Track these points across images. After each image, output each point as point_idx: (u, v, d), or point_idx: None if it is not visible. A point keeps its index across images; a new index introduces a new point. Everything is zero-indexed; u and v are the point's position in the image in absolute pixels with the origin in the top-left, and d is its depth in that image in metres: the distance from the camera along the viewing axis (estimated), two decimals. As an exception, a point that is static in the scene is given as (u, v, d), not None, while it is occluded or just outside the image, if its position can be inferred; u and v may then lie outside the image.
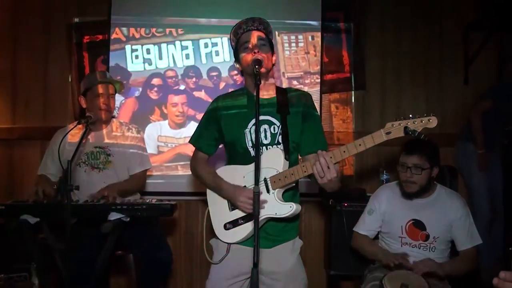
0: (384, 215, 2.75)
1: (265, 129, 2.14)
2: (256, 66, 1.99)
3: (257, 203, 1.70)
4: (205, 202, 2.30)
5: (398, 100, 4.01)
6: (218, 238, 2.21)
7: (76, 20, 3.89)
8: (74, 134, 2.88)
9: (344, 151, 1.90)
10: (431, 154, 2.63)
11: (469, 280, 2.71)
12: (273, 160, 2.05)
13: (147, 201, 2.59)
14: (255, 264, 1.62)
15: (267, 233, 2.14)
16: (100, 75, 3.03)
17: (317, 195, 3.77)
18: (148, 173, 3.16)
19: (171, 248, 2.95)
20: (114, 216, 2.42)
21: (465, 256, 2.62)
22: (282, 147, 2.11)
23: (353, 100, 3.99)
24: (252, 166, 2.07)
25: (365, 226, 2.80)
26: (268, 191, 2.05)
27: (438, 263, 2.51)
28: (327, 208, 3.52)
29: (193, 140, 2.31)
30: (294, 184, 2.10)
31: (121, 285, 3.58)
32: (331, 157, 1.89)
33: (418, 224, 2.65)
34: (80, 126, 2.78)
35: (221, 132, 2.22)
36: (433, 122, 1.81)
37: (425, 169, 2.60)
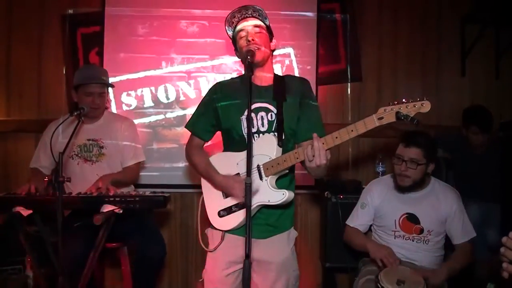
0: (377, 209, 2.74)
1: (262, 116, 2.12)
2: (248, 57, 1.98)
3: (248, 194, 1.70)
4: (200, 195, 2.29)
5: (395, 92, 3.98)
6: (212, 226, 2.21)
7: (70, 11, 3.85)
8: (66, 126, 2.86)
9: (337, 137, 1.88)
10: (429, 149, 2.59)
11: (464, 275, 2.70)
12: (266, 147, 2.04)
13: (141, 193, 2.58)
14: (247, 255, 1.63)
15: (263, 223, 2.13)
16: (91, 73, 2.98)
17: (313, 187, 3.78)
18: (142, 165, 3.14)
19: (167, 240, 2.94)
20: (106, 208, 2.41)
21: (462, 250, 2.60)
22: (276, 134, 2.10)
23: (349, 92, 3.97)
24: (245, 153, 2.07)
25: (358, 219, 2.79)
26: (261, 178, 2.04)
27: (434, 271, 2.48)
28: (323, 200, 3.52)
29: (190, 125, 2.30)
30: (287, 171, 2.09)
31: (116, 277, 3.58)
32: (323, 143, 1.89)
33: (411, 218, 2.64)
34: (72, 118, 2.76)
35: (218, 119, 2.20)
36: (426, 106, 1.77)
37: (421, 164, 2.56)
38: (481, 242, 3.40)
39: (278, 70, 3.82)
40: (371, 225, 2.81)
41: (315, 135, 1.90)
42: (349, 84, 3.97)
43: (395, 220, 2.66)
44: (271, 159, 2.03)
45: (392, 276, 2.37)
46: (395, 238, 2.66)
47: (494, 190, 3.54)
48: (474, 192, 3.49)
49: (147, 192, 2.60)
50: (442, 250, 2.68)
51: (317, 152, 1.87)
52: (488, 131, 3.48)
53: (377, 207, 2.73)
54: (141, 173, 3.26)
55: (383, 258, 2.48)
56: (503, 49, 3.95)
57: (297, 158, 1.97)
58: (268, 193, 2.03)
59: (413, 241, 2.62)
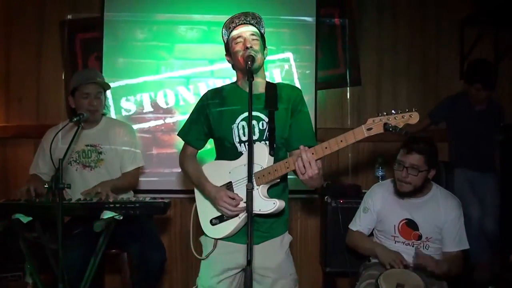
0: (378, 213, 2.73)
1: (253, 125, 2.11)
2: (249, 63, 1.97)
3: (249, 200, 1.72)
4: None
5: (394, 96, 3.99)
6: (205, 234, 2.22)
7: (69, 17, 3.85)
8: (65, 132, 2.86)
9: (326, 147, 1.88)
10: (431, 155, 2.56)
11: (464, 279, 2.69)
12: (258, 156, 2.03)
13: (141, 199, 2.57)
14: (249, 262, 1.63)
15: (255, 229, 2.13)
16: (86, 74, 2.98)
17: (313, 192, 3.77)
18: (142, 170, 3.13)
19: (167, 246, 2.93)
20: (107, 214, 2.40)
21: (451, 258, 2.56)
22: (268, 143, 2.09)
23: (348, 97, 3.97)
24: (237, 162, 2.10)
25: (360, 223, 2.79)
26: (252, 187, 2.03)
27: (437, 262, 2.46)
28: (323, 204, 3.51)
29: (182, 134, 2.30)
30: (278, 180, 2.08)
31: (116, 283, 3.56)
32: (312, 153, 1.88)
33: (410, 224, 2.63)
34: (71, 124, 2.75)
35: (210, 127, 2.21)
36: (414, 118, 1.76)
37: (422, 171, 2.55)
38: (481, 238, 3.40)
39: (278, 75, 3.82)
40: (373, 229, 2.81)
41: (302, 146, 1.90)
42: (348, 88, 3.97)
43: (394, 225, 2.66)
44: (262, 168, 2.02)
45: (391, 279, 2.37)
46: (395, 243, 2.65)
47: (489, 156, 3.62)
48: (469, 157, 3.57)
49: (147, 198, 2.59)
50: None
51: (307, 163, 1.86)
52: (491, 88, 3.53)
53: (378, 211, 2.73)
54: (140, 179, 3.25)
55: (391, 262, 2.48)
56: (503, 51, 3.95)
57: (288, 168, 1.97)
58: (260, 203, 2.02)
59: (413, 246, 2.61)
